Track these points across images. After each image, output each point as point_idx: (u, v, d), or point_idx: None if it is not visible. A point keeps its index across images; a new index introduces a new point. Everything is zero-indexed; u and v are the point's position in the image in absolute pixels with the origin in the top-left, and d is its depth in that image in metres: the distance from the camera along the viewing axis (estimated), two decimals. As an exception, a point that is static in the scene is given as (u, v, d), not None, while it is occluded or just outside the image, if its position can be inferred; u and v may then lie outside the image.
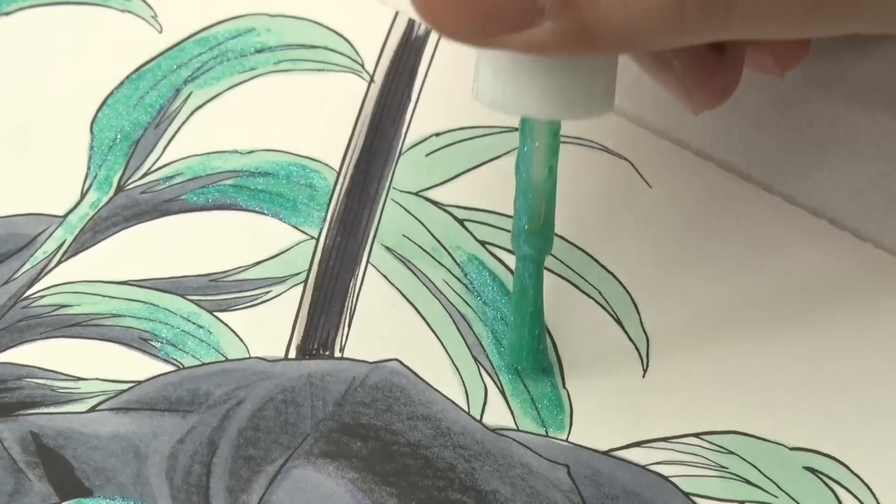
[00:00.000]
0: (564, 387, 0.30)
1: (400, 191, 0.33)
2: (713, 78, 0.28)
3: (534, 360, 0.30)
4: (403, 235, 0.32)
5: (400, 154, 0.33)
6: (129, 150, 0.34)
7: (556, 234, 0.32)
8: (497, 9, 0.23)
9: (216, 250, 0.32)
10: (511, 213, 0.29)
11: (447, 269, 0.32)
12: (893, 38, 0.33)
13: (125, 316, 0.31)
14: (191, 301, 0.32)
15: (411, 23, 0.35)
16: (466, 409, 0.30)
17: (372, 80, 0.34)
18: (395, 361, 0.31)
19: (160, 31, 0.35)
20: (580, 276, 0.31)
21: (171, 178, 0.33)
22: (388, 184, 0.33)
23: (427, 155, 0.33)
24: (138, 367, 0.31)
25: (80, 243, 0.33)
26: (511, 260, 0.31)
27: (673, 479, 0.29)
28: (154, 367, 0.31)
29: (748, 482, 0.29)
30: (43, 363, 0.31)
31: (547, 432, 0.30)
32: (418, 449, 0.29)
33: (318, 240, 0.32)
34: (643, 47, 0.25)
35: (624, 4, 0.22)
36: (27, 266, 0.32)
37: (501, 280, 0.32)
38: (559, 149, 0.27)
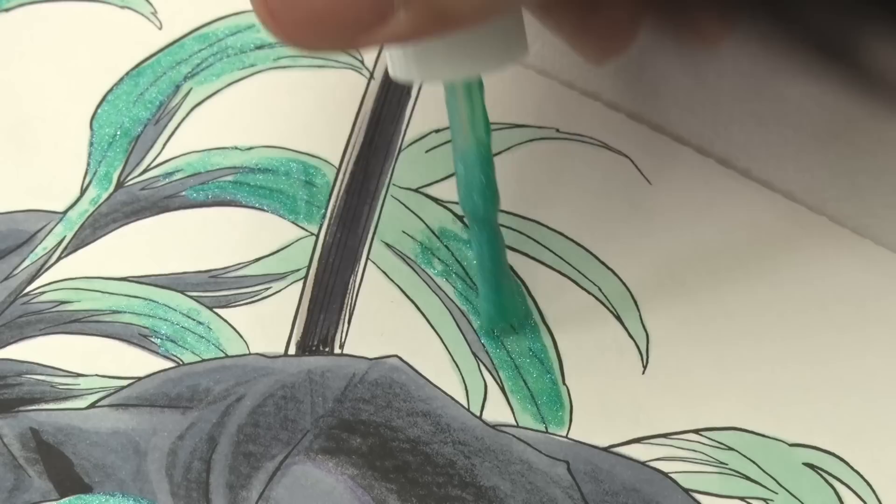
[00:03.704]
0: (564, 383, 0.30)
1: (400, 187, 0.33)
2: (594, 37, 0.28)
3: (513, 314, 0.30)
4: (403, 232, 0.32)
5: (400, 150, 0.33)
6: (129, 146, 0.34)
7: (556, 231, 0.32)
8: (349, 12, 0.22)
9: (216, 247, 0.32)
10: (513, 210, 0.29)
11: (447, 265, 0.32)
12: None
13: (125, 312, 0.32)
14: (191, 297, 0.32)
15: (411, 19, 0.35)
16: (466, 406, 0.30)
17: (372, 76, 0.34)
18: (394, 358, 0.31)
19: (160, 28, 0.35)
20: (580, 272, 0.31)
21: (170, 174, 0.33)
22: (387, 180, 0.33)
23: (427, 151, 0.33)
24: (138, 363, 0.31)
25: (80, 239, 0.33)
26: (512, 256, 0.31)
27: (673, 476, 0.29)
28: (154, 364, 0.31)
29: (748, 478, 0.29)
30: (43, 359, 0.31)
31: (547, 428, 0.30)
32: (418, 445, 0.29)
33: (317, 236, 0.32)
34: (503, 10, 0.24)
35: None
36: (27, 262, 0.32)
37: (501, 276, 0.32)
38: (484, 99, 0.27)
